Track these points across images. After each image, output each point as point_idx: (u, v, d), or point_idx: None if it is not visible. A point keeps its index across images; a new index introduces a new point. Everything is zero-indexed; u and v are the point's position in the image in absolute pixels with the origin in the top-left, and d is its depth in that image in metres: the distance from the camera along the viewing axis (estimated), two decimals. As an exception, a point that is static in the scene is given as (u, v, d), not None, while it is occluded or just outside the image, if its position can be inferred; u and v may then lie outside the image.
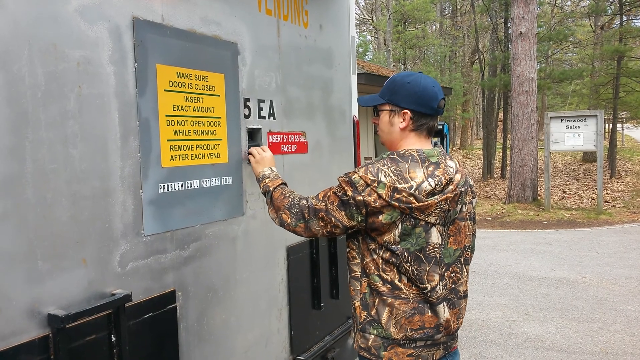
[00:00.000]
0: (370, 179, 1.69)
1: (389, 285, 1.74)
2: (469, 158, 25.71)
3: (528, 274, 6.72)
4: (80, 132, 1.61)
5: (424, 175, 1.71)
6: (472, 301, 5.67)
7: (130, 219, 1.79)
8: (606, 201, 12.35)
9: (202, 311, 2.09)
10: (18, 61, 1.44)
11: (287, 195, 1.93)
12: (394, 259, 1.72)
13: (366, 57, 30.76)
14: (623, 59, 16.98)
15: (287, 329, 2.61)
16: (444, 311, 1.77)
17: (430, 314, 1.75)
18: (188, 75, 2.01)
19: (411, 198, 1.66)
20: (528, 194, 12.39)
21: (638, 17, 19.82)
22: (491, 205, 12.79)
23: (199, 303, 2.07)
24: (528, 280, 6.42)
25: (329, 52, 2.99)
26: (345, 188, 1.73)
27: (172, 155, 1.95)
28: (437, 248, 1.74)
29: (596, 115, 11.15)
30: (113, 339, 1.69)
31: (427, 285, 1.74)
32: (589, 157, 19.48)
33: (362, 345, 1.80)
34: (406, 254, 1.71)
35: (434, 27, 32.49)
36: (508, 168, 14.74)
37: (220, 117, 2.17)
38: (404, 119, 1.82)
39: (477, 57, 23.69)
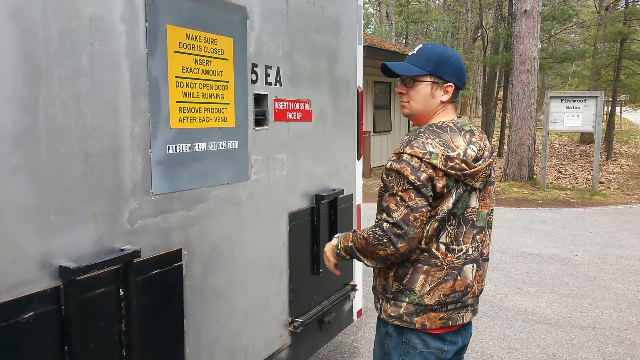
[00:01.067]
0: (421, 152, 1.70)
1: (425, 254, 1.79)
2: (466, 136, 25.68)
3: (521, 250, 6.82)
4: (92, 89, 1.63)
5: (465, 143, 1.77)
6: (465, 275, 5.77)
7: (139, 177, 1.82)
8: (601, 182, 12.44)
9: (206, 270, 2.14)
10: (32, 15, 1.45)
11: (364, 236, 1.80)
12: (438, 225, 1.77)
13: (368, 30, 30.41)
14: (626, 41, 16.87)
15: (287, 292, 2.68)
16: (472, 273, 1.85)
17: (460, 277, 1.82)
18: (197, 38, 2.02)
19: (463, 165, 1.72)
20: (524, 173, 12.45)
21: (643, -1, 19.61)
22: (487, 182, 12.87)
23: (203, 262, 2.12)
24: (520, 256, 6.52)
25: (336, 20, 2.98)
26: (405, 175, 1.70)
27: (180, 117, 1.97)
28: (475, 212, 1.83)
29: (596, 97, 11.14)
30: (121, 293, 1.74)
31: (462, 247, 1.81)
32: (586, 138, 19.52)
33: (393, 314, 1.85)
34: (451, 218, 1.78)
35: (437, 1, 32.07)
36: (505, 146, 14.77)
37: (228, 82, 2.19)
38: (446, 92, 1.85)
39: (479, 34, 23.48)
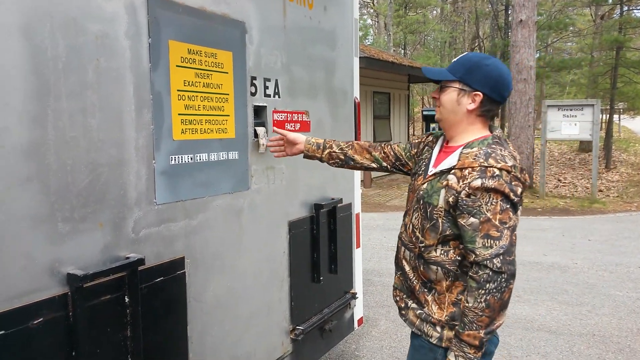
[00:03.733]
0: (508, 166, 1.62)
1: None
2: (466, 145, 25.77)
3: (520, 258, 6.86)
4: (98, 102, 1.69)
5: (517, 154, 1.75)
6: (465, 283, 5.81)
7: (144, 187, 1.88)
8: (600, 190, 12.49)
9: (208, 278, 2.19)
10: (41, 33, 1.52)
11: (484, 305, 1.60)
12: (515, 238, 1.71)
13: (366, 40, 30.67)
14: (622, 49, 17.00)
15: (288, 300, 2.72)
16: None
17: None
18: (198, 52, 2.09)
19: (527, 176, 1.69)
20: (523, 182, 12.52)
21: (638, 8, 19.82)
22: (487, 191, 12.93)
23: (206, 270, 2.17)
24: (520, 265, 6.55)
25: (333, 33, 3.06)
26: (505, 192, 1.59)
27: (182, 129, 2.03)
28: None
29: (593, 105, 11.23)
30: (127, 300, 1.79)
31: None
32: (585, 146, 19.59)
33: None
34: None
35: (434, 12, 32.38)
36: (504, 155, 14.82)
37: (228, 94, 2.25)
38: (473, 101, 1.76)
39: (477, 43, 23.68)
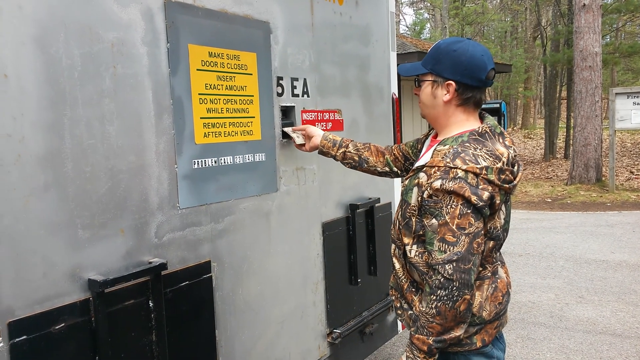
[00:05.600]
0: (477, 168, 1.51)
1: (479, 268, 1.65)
2: (530, 138, 24.78)
3: (585, 256, 6.47)
4: (116, 109, 1.71)
5: (505, 148, 1.62)
6: (524, 283, 5.54)
7: (166, 192, 1.88)
8: (678, 182, 11.61)
9: (237, 281, 2.18)
10: (55, 43, 1.54)
11: (433, 312, 1.53)
12: (494, 244, 1.65)
13: (422, 35, 30.10)
14: (701, 29, 15.73)
15: (323, 303, 2.67)
16: (502, 269, 1.75)
17: (500, 279, 1.70)
18: (220, 55, 2.08)
19: (511, 175, 1.58)
20: (591, 175, 11.83)
21: None
22: (552, 186, 12.33)
23: (234, 274, 2.16)
24: (585, 263, 6.18)
25: (366, 28, 2.97)
26: (465, 196, 1.49)
27: (205, 133, 2.02)
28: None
29: (667, 91, 10.46)
30: (151, 304, 1.80)
31: (498, 252, 1.73)
32: (661, 135, 18.30)
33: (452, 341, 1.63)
34: (500, 233, 1.66)
35: (494, 1, 31.27)
36: (571, 148, 14.10)
37: (252, 95, 2.23)
38: (448, 91, 1.67)
39: (539, 31, 22.66)
